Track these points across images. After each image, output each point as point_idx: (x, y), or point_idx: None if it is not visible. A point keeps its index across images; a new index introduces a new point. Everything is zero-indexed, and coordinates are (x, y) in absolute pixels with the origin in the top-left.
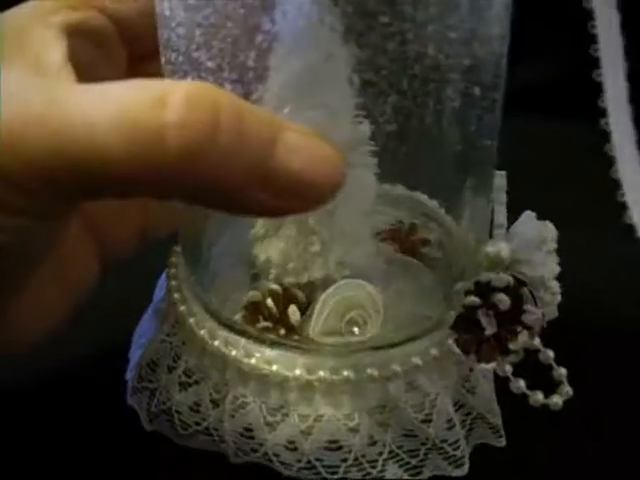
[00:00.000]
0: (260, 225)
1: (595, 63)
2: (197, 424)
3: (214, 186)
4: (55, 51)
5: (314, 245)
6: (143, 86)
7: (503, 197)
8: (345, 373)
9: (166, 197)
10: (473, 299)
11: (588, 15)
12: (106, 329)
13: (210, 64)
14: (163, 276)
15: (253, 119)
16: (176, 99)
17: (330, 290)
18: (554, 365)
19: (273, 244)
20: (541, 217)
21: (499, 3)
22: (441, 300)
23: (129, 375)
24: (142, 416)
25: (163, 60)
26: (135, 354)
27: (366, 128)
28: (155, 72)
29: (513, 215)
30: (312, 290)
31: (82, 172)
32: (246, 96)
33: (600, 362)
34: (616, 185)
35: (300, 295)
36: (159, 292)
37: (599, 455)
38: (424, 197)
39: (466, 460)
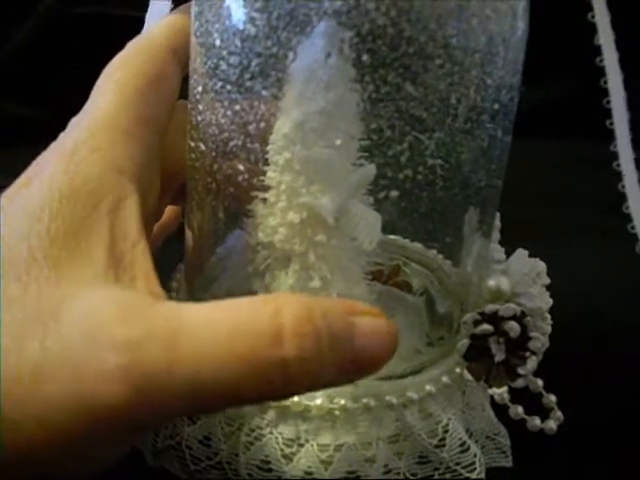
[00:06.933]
0: (261, 260)
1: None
2: (209, 458)
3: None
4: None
5: (313, 280)
6: (250, 321)
7: (498, 234)
8: (365, 400)
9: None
10: (486, 327)
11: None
12: None
13: (265, 93)
14: None
15: (336, 317)
16: (289, 333)
17: None
18: (544, 393)
19: (279, 279)
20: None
21: (521, 53)
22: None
23: None
24: (146, 452)
25: (199, 89)
26: None
27: (372, 169)
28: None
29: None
30: None
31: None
32: None
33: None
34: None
35: None
36: None
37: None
38: (405, 240)
39: None
